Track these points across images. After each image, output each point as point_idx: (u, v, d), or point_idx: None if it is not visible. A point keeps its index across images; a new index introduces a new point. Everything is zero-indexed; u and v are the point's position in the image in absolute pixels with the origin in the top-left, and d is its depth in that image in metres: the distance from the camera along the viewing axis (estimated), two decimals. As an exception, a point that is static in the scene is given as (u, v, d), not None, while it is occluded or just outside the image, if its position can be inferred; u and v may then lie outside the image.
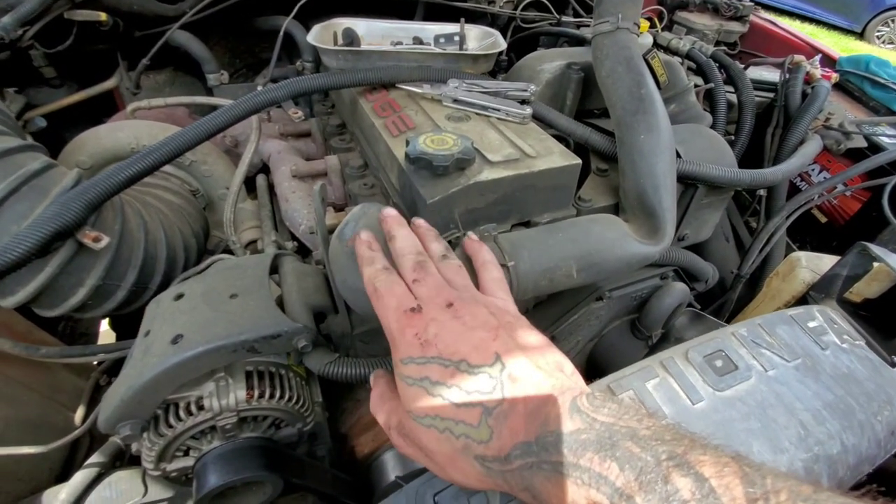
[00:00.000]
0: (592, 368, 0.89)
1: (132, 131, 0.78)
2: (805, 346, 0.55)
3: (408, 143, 0.61)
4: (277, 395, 0.57)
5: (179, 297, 0.55)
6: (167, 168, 0.84)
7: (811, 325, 0.58)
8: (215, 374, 0.55)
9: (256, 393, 0.56)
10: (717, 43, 1.57)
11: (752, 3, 1.59)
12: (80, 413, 0.93)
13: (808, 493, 0.25)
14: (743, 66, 1.27)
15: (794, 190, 1.23)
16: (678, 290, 0.79)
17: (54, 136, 1.09)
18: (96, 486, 0.69)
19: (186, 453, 0.58)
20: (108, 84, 1.11)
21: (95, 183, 0.56)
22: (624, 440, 0.30)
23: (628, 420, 0.31)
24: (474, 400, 0.35)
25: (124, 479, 0.69)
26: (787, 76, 1.19)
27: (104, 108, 1.22)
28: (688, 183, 0.76)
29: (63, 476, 0.84)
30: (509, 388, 0.35)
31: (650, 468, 0.28)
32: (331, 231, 0.71)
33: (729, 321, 1.09)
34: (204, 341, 0.49)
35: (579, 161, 0.66)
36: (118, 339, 1.00)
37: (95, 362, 0.91)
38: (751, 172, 0.77)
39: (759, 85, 1.27)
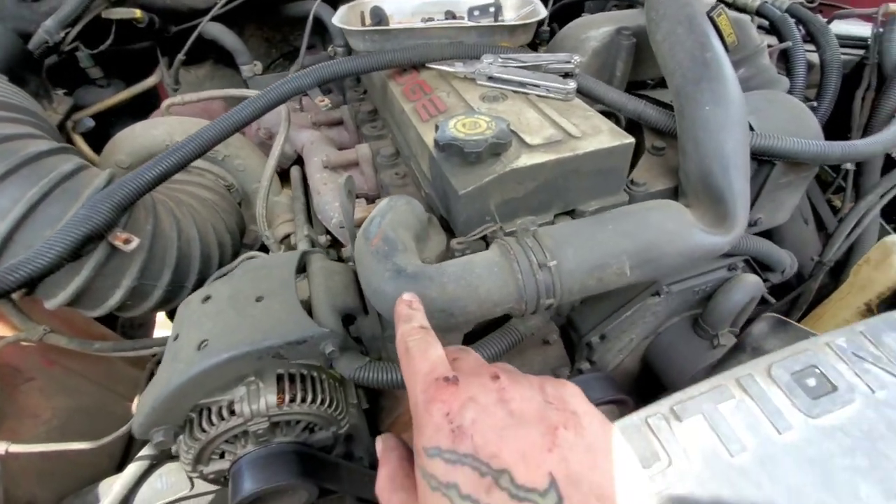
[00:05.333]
0: (647, 370, 0.81)
1: (166, 128, 0.78)
2: (923, 358, 0.45)
3: (437, 127, 0.56)
4: (309, 398, 0.55)
5: (207, 299, 0.54)
6: (201, 164, 0.84)
7: (928, 329, 0.47)
8: (246, 378, 0.53)
9: (287, 397, 0.54)
10: (793, -5, 1.37)
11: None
12: (136, 402, 0.98)
13: None
14: (825, 20, 1.10)
15: (889, 163, 1.06)
16: (749, 284, 0.69)
17: (103, 135, 1.13)
18: (148, 478, 0.70)
19: (222, 456, 0.57)
20: (150, 81, 1.13)
21: (123, 183, 0.55)
22: None
23: None
24: None
25: (175, 472, 0.71)
26: (881, 29, 1.02)
27: (150, 104, 1.24)
28: (762, 160, 0.66)
29: (123, 463, 0.88)
30: None
31: None
32: (359, 226, 0.67)
33: (807, 314, 0.97)
34: (228, 348, 0.48)
35: (632, 140, 0.58)
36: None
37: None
38: (842, 144, 0.65)
39: (846, 41, 1.10)
